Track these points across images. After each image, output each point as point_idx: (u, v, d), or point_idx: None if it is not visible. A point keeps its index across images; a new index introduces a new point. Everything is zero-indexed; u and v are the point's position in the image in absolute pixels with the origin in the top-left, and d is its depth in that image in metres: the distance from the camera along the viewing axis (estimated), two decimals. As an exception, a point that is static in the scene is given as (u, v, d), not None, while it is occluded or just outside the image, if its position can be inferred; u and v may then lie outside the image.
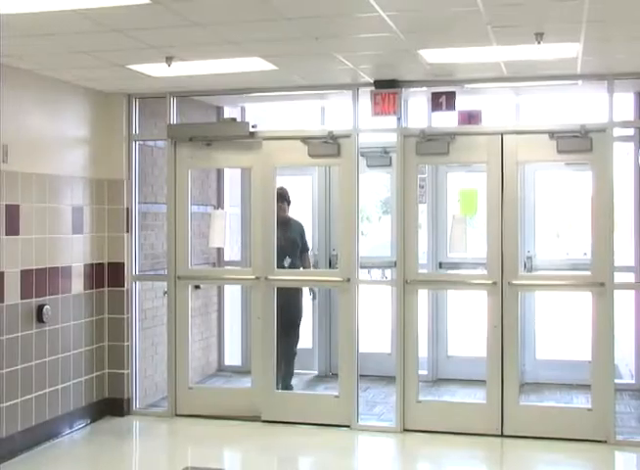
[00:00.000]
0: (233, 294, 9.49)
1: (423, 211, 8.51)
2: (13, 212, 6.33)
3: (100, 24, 5.07)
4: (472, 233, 8.39)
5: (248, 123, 7.52)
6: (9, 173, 6.28)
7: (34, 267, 6.57)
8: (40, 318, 6.59)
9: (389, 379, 7.72)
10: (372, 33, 5.36)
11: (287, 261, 8.06)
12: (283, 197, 8.18)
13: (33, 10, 4.70)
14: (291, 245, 8.16)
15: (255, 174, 7.56)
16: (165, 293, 7.65)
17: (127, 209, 7.55)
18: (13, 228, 6.33)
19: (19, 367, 6.38)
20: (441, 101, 6.99)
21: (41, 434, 6.65)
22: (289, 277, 7.61)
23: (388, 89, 6.94)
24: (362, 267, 7.53)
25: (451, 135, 6.98)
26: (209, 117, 8.84)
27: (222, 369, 9.30)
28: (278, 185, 7.83)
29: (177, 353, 7.57)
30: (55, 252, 6.84)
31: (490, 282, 6.91)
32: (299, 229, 8.46)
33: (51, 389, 6.78)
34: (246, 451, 6.95)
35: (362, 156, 7.75)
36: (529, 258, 8.50)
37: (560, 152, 6.78)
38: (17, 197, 6.37)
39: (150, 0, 4.53)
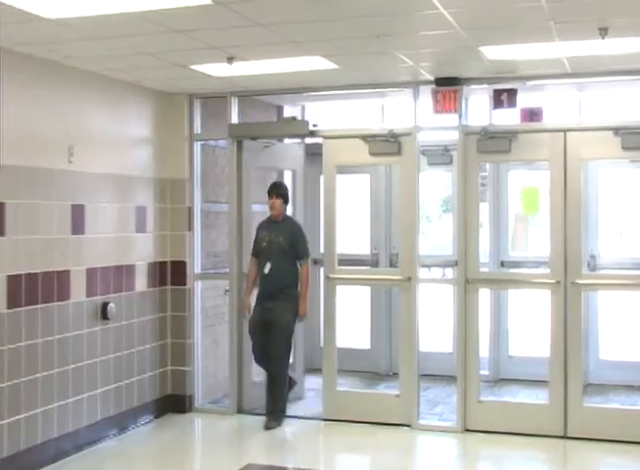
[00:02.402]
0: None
1: (484, 209, 8.44)
2: (78, 212, 6.45)
3: (162, 26, 5.13)
4: (534, 231, 8.30)
5: (308, 122, 7.55)
6: (74, 173, 6.40)
7: (99, 266, 6.69)
8: (105, 316, 6.71)
9: (450, 379, 7.67)
10: (433, 31, 5.33)
11: (267, 267, 7.18)
12: (276, 191, 7.29)
13: (97, 13, 4.78)
14: (275, 249, 7.19)
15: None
16: (227, 291, 7.71)
17: (189, 208, 7.64)
18: (78, 227, 6.45)
19: (84, 364, 6.51)
20: (503, 98, 6.92)
21: (106, 429, 6.77)
22: (350, 276, 7.59)
23: (448, 87, 6.90)
24: (422, 266, 7.49)
25: (513, 133, 6.90)
26: (270, 116, 8.89)
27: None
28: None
29: (240, 351, 7.63)
30: (119, 250, 6.96)
31: (553, 281, 6.81)
32: (292, 231, 7.29)
33: (115, 385, 6.90)
34: (307, 450, 6.97)
35: (423, 154, 7.72)
36: (593, 256, 8.36)
37: (625, 148, 6.65)
38: (82, 197, 6.49)
39: (211, 1, 4.58)
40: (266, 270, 7.18)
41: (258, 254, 7.31)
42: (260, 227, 7.42)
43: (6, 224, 5.72)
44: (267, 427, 7.06)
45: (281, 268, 7.18)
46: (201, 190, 7.79)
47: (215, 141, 8.01)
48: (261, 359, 7.25)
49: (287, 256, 7.19)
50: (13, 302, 5.78)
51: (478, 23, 5.17)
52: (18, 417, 5.83)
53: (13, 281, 5.78)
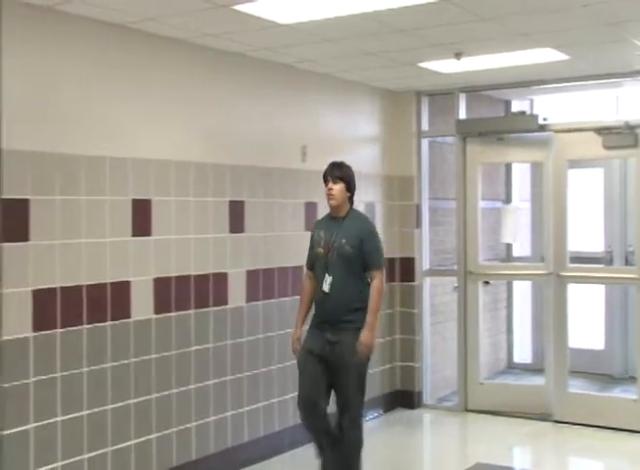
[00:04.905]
0: (523, 290, 9.32)
1: None
2: (311, 210, 6.68)
3: (387, 26, 5.20)
4: None
5: (537, 116, 7.36)
6: (307, 173, 6.64)
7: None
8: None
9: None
10: (673, 14, 5.05)
11: (327, 282, 5.09)
12: (333, 173, 5.29)
13: (326, 16, 4.93)
14: (337, 256, 5.12)
15: (547, 168, 7.39)
16: (456, 288, 7.68)
17: (417, 205, 7.69)
18: (311, 225, 6.66)
19: (316, 356, 6.71)
20: None
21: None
22: (582, 274, 7.32)
23: (692, 73, 6.51)
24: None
25: None
26: (497, 111, 8.77)
27: (511, 366, 9.19)
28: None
29: (468, 349, 7.60)
30: (349, 247, 7.10)
31: None
32: (361, 230, 5.21)
33: (346, 378, 7.06)
34: (536, 452, 6.82)
35: (661, 146, 7.30)
36: None
37: None
38: (314, 195, 6.69)
39: (438, -2, 4.59)
40: (326, 287, 5.11)
41: (314, 264, 5.33)
42: (316, 227, 5.44)
43: (245, 222, 6.04)
44: None
45: (346, 283, 5.11)
46: (428, 187, 7.82)
47: (442, 137, 8.00)
48: (309, 406, 5.14)
49: (354, 265, 5.13)
50: (251, 296, 6.08)
51: None
52: (241, 410, 6.13)
53: (251, 276, 6.08)
